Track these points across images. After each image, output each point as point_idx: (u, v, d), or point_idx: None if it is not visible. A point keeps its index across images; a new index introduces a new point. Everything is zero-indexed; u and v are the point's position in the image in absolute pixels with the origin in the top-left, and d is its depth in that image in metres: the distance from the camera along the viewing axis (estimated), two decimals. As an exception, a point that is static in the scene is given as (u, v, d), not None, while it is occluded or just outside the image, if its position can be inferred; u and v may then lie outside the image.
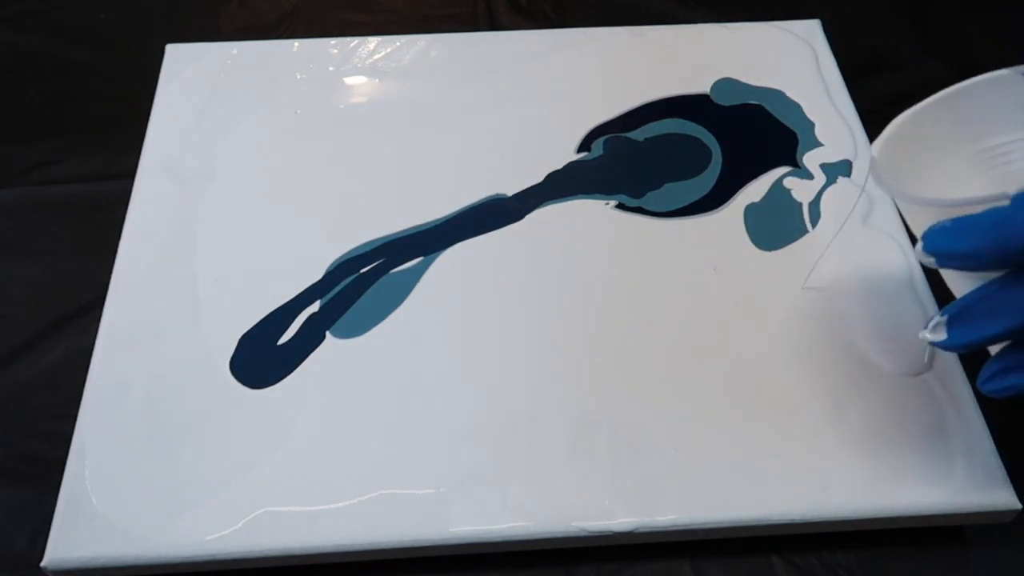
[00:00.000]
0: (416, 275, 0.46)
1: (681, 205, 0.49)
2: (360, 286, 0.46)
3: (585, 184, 0.50)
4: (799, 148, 0.52)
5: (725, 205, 0.49)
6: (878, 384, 0.42)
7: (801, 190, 0.50)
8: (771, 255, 0.47)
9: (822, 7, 0.60)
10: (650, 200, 0.49)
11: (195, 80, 0.54)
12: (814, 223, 0.48)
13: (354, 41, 0.57)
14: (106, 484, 0.39)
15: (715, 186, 0.50)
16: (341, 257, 0.47)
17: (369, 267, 0.46)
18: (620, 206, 0.49)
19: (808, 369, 0.43)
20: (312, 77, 0.55)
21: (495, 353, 0.43)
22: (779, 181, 0.50)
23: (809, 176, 0.50)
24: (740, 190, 0.50)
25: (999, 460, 0.40)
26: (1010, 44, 0.62)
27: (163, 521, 0.38)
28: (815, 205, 0.49)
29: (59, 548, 0.38)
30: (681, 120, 0.53)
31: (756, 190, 0.50)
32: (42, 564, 0.37)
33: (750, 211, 0.49)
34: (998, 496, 0.39)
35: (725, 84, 0.55)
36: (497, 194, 0.49)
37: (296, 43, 0.57)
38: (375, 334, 0.44)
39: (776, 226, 0.48)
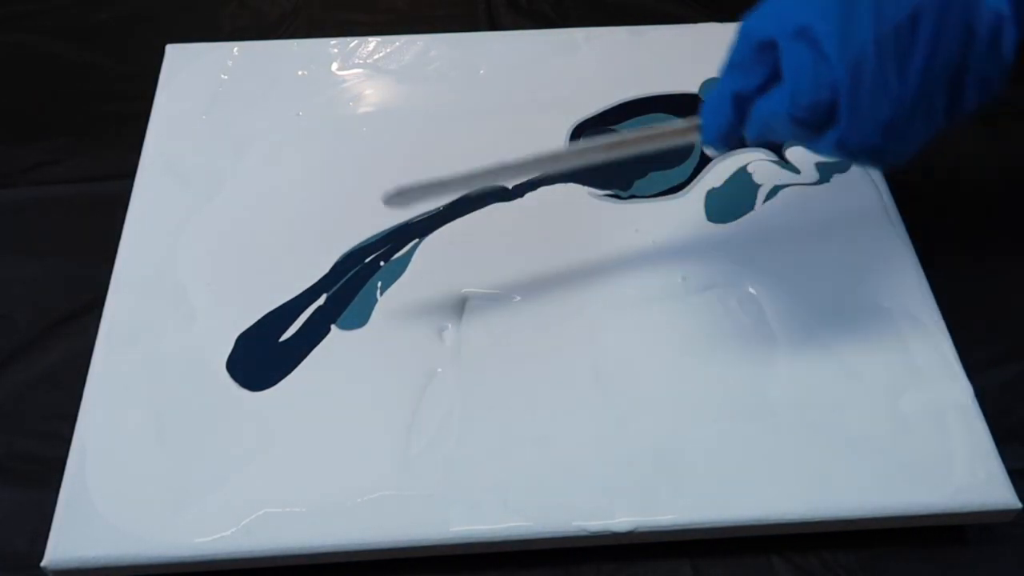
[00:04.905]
0: (408, 260, 0.47)
1: (662, 189, 0.50)
2: (362, 277, 0.46)
3: (578, 178, 0.50)
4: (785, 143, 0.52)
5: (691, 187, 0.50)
6: (878, 384, 0.42)
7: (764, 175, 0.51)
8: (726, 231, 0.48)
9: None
10: (638, 188, 0.50)
11: (195, 80, 0.54)
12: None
13: (354, 41, 0.57)
14: (106, 484, 0.39)
15: (692, 173, 0.51)
16: (346, 252, 0.47)
17: (371, 257, 0.47)
18: (615, 196, 0.49)
19: (808, 368, 0.43)
20: (312, 77, 0.55)
21: (492, 349, 0.43)
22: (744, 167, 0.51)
23: (795, 171, 0.50)
24: (704, 171, 0.51)
25: (999, 460, 0.40)
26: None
27: (163, 521, 0.38)
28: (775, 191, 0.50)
29: (59, 548, 0.38)
30: (665, 115, 0.53)
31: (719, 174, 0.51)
32: (42, 564, 0.37)
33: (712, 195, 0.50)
34: (998, 496, 0.39)
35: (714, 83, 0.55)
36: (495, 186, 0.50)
37: (296, 43, 0.57)
38: (376, 324, 0.44)
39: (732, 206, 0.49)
